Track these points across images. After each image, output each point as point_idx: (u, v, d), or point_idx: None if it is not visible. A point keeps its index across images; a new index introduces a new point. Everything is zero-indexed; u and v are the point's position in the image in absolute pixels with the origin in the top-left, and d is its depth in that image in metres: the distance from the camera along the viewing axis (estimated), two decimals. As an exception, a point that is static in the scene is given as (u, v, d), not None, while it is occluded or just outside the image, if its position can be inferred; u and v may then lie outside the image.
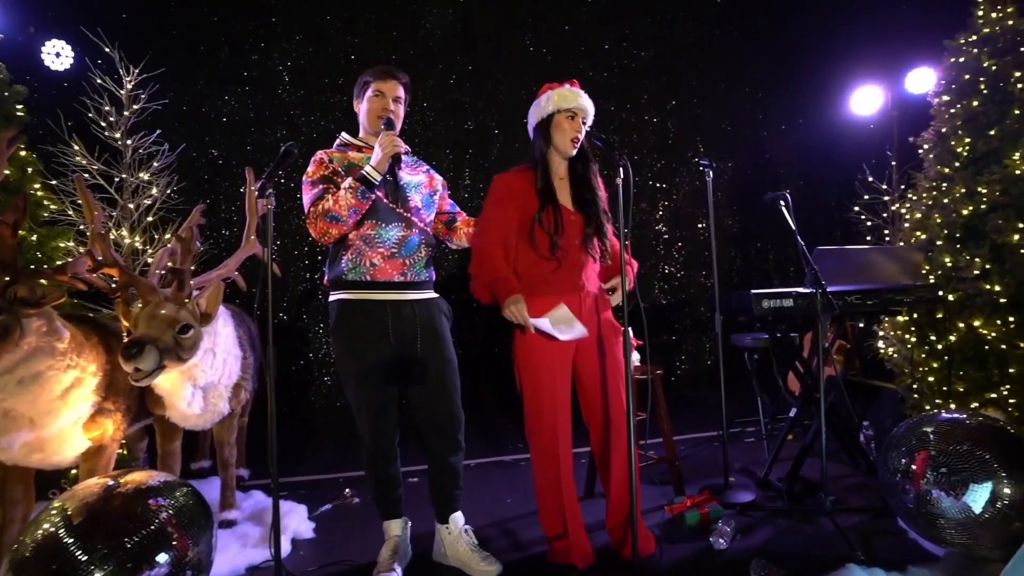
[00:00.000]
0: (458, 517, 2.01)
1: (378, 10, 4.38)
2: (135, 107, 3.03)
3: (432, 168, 2.15)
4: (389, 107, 1.96)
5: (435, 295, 2.04)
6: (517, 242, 1.87)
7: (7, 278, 1.54)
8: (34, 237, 2.26)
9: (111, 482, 1.56)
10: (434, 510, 2.02)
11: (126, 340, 1.75)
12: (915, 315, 2.79)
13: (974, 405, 2.51)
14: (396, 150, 1.86)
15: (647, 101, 4.91)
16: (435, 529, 2.03)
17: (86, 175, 2.81)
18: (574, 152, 1.90)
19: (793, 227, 2.20)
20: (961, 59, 2.79)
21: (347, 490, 2.67)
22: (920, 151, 3.03)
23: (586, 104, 1.90)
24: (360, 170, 1.87)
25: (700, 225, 4.98)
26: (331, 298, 1.98)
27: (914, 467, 1.81)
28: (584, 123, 1.90)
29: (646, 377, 2.38)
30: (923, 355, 2.72)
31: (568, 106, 1.88)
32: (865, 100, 4.26)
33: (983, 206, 2.60)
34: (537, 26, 4.68)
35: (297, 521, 2.31)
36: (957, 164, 2.75)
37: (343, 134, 2.07)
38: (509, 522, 2.32)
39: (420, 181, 2.03)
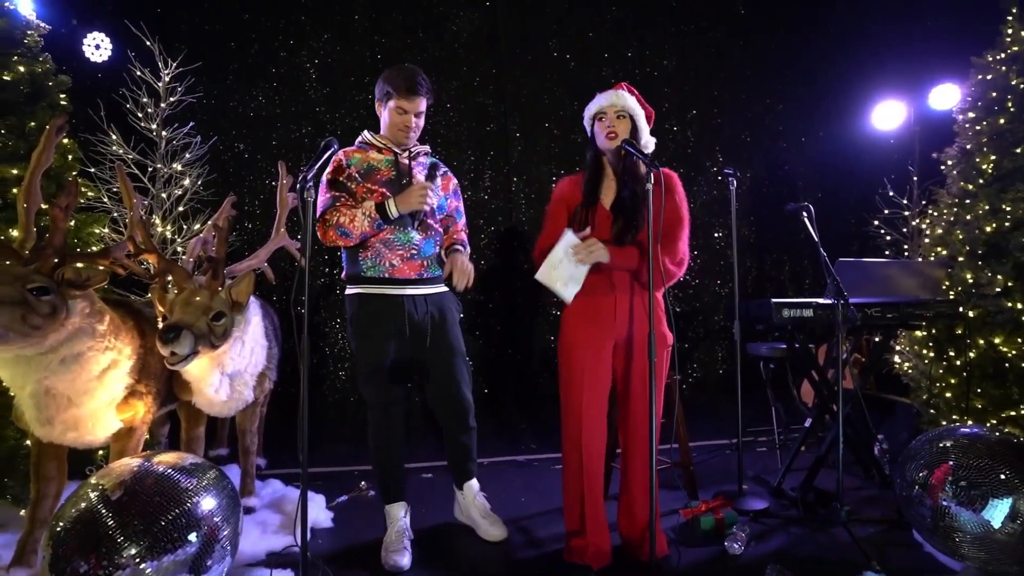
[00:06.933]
0: (472, 484, 2.24)
1: (405, 11, 4.43)
2: (171, 99, 3.10)
3: (449, 171, 2.23)
4: (411, 124, 2.02)
5: (445, 289, 2.14)
6: None
7: (56, 260, 1.59)
8: (72, 223, 2.31)
9: (145, 462, 1.61)
10: (453, 477, 2.28)
11: (163, 325, 1.80)
12: (934, 330, 2.79)
13: (992, 422, 2.51)
14: (422, 208, 1.93)
15: (667, 110, 4.92)
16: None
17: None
18: (612, 146, 1.92)
19: (816, 238, 2.22)
20: (988, 76, 2.80)
21: (362, 483, 2.71)
22: (943, 167, 3.04)
23: (613, 101, 1.94)
24: (381, 175, 1.96)
25: (716, 234, 4.99)
26: (349, 291, 2.06)
27: (932, 480, 1.81)
28: (621, 118, 1.94)
29: (666, 382, 2.39)
30: (941, 371, 2.72)
31: (595, 108, 1.98)
32: (887, 115, 4.25)
33: (1007, 223, 2.61)
34: (561, 32, 4.71)
35: (316, 510, 2.35)
36: (981, 181, 2.76)
37: (365, 132, 2.12)
38: (523, 520, 2.34)
39: (437, 185, 2.11)
